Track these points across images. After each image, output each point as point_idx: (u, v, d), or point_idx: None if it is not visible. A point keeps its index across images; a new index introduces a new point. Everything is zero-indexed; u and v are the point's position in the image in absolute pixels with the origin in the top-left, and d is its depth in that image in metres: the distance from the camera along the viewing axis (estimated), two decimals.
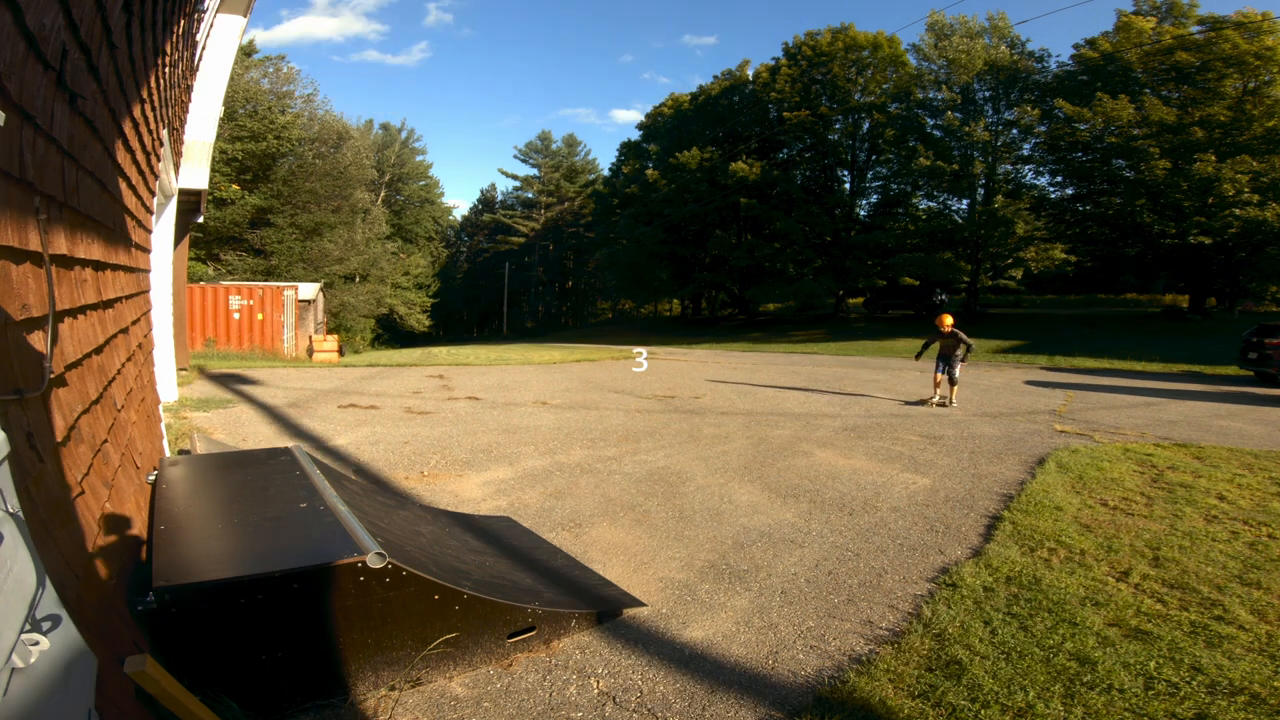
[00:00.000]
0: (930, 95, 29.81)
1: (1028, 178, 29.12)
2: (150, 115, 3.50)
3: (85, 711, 1.10)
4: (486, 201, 62.66)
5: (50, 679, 0.97)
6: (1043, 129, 26.77)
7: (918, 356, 9.35)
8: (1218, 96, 21.94)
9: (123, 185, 2.83)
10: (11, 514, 0.97)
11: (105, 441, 2.06)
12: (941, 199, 30.55)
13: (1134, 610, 2.78)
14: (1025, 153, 28.61)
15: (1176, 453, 5.84)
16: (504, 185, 67.35)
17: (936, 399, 8.89)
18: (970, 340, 8.73)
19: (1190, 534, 3.70)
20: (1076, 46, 26.73)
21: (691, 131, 36.85)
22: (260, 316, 16.12)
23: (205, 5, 5.90)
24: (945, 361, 8.79)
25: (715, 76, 39.58)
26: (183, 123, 6.73)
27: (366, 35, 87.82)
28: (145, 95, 3.14)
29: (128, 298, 2.98)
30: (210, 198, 17.30)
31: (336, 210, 33.06)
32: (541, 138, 57.16)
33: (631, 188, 38.55)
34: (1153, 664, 2.36)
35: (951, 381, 8.81)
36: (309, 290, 19.42)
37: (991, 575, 3.13)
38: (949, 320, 8.80)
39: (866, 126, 32.28)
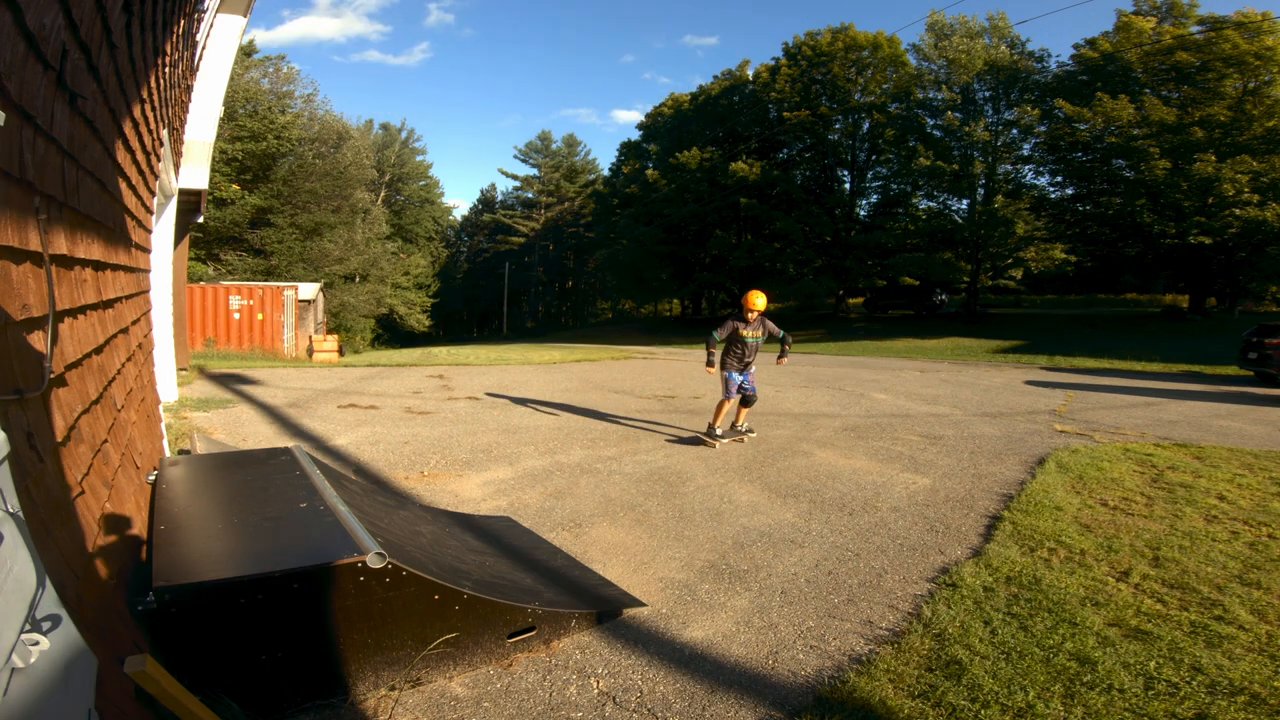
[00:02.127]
0: (930, 95, 29.83)
1: (1028, 178, 29.18)
2: (150, 115, 3.50)
3: (85, 711, 1.10)
4: (486, 201, 62.69)
5: (50, 679, 0.97)
6: (1043, 129, 26.79)
7: (710, 363, 5.83)
8: (1218, 96, 21.94)
9: (123, 185, 2.83)
10: (11, 514, 0.97)
11: (105, 441, 2.06)
12: (941, 199, 30.57)
13: (1134, 610, 2.78)
14: (1025, 153, 28.64)
15: (1176, 453, 5.84)
16: (504, 185, 67.49)
17: (744, 425, 6.19)
18: (784, 330, 6.04)
19: (1190, 534, 3.70)
20: (1076, 46, 26.76)
21: (691, 131, 36.89)
22: (260, 316, 16.12)
23: (205, 5, 5.90)
24: (745, 368, 5.90)
25: (715, 76, 39.64)
26: (183, 123, 6.73)
27: (368, 36, 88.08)
28: (145, 95, 3.14)
29: (128, 298, 2.98)
30: (210, 198, 17.30)
31: (336, 210, 33.09)
32: (541, 138, 57.23)
33: (631, 188, 38.59)
34: (1153, 664, 2.36)
35: (746, 401, 6.02)
36: (309, 290, 19.43)
37: (991, 575, 3.13)
38: (760, 300, 5.74)
39: (866, 126, 32.30)
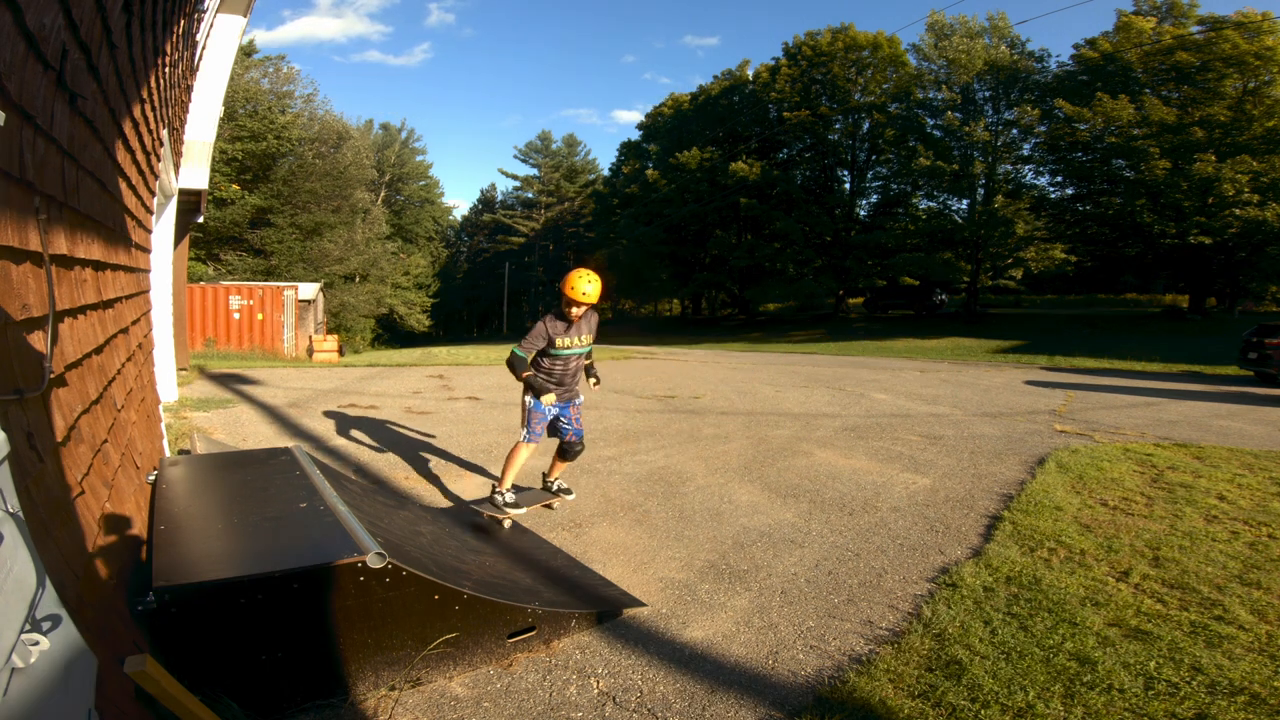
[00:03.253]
0: (930, 95, 29.86)
1: (1028, 178, 29.22)
2: (150, 115, 3.50)
3: (85, 711, 1.10)
4: (486, 201, 62.68)
5: (50, 679, 0.97)
6: (1043, 129, 26.82)
7: (539, 388, 3.70)
8: (1218, 96, 21.96)
9: (123, 185, 2.83)
10: (11, 514, 0.97)
11: (105, 441, 2.05)
12: (941, 199, 30.60)
13: (1134, 610, 2.78)
14: (1025, 153, 28.67)
15: (1176, 453, 5.84)
16: (504, 185, 67.45)
17: (558, 482, 4.17)
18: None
19: (1190, 534, 3.70)
20: (1076, 46, 26.78)
21: (691, 131, 36.90)
22: (260, 316, 16.12)
23: (205, 5, 5.90)
24: (564, 395, 3.79)
25: (715, 76, 39.65)
26: (183, 123, 6.72)
27: (369, 36, 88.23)
28: (145, 95, 3.14)
29: (128, 298, 2.98)
30: (210, 198, 17.29)
31: (336, 210, 33.08)
32: (541, 138, 57.21)
33: (631, 188, 38.62)
34: (1153, 664, 2.36)
35: (569, 451, 3.93)
36: (309, 290, 19.42)
37: (991, 575, 3.13)
38: (590, 286, 3.57)
39: (866, 126, 32.32)
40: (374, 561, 2.02)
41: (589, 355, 3.94)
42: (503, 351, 19.61)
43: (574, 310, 3.63)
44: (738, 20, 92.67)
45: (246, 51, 28.65)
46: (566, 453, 3.97)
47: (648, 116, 42.74)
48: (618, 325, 45.26)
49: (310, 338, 18.08)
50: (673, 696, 2.23)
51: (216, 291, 16.13)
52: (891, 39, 30.51)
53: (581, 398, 3.96)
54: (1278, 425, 7.55)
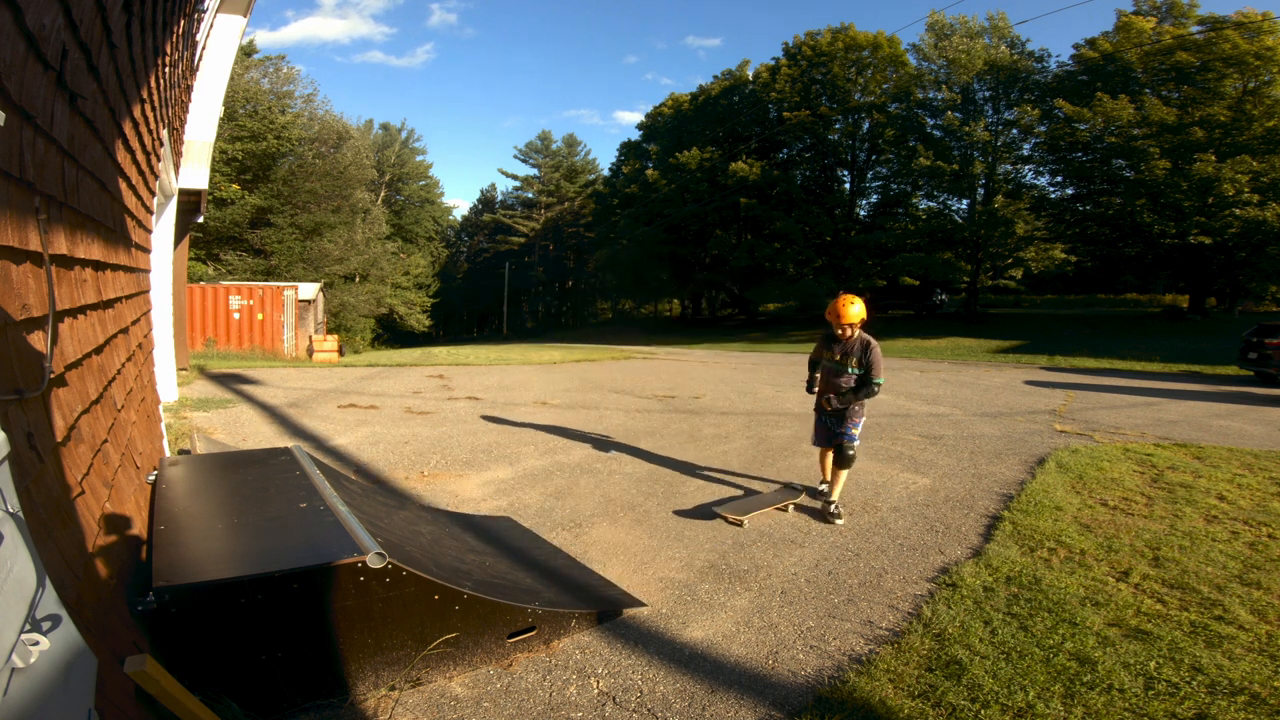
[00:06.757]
0: (930, 95, 29.88)
1: (1028, 178, 29.26)
2: (150, 115, 3.50)
3: (85, 711, 1.09)
4: (486, 201, 62.72)
5: (50, 679, 0.97)
6: (1043, 129, 26.84)
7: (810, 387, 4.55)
8: (1218, 96, 21.97)
9: (123, 185, 2.83)
10: (11, 514, 0.97)
11: (105, 441, 2.05)
12: (941, 199, 30.63)
13: (1134, 610, 2.78)
14: (1025, 153, 28.70)
15: (1176, 453, 5.83)
16: (504, 185, 67.66)
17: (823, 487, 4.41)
18: (876, 362, 4.13)
19: (1190, 534, 3.70)
20: (1076, 46, 26.80)
21: (692, 131, 36.94)
22: (260, 316, 16.12)
23: (205, 5, 5.90)
24: (837, 403, 4.20)
25: (715, 76, 39.72)
26: (183, 123, 6.72)
27: (373, 37, 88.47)
28: (145, 95, 3.14)
29: (128, 298, 2.98)
30: (210, 198, 17.29)
31: (336, 210, 33.07)
32: (542, 138, 57.24)
33: (631, 188, 38.65)
34: (1153, 664, 2.36)
35: (843, 456, 4.18)
36: (309, 290, 19.41)
37: (991, 575, 3.13)
38: (856, 310, 4.16)
39: (866, 126, 32.36)
40: (374, 561, 2.02)
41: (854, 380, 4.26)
42: (503, 352, 19.63)
43: (839, 331, 4.27)
44: (739, 21, 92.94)
45: (246, 51, 28.66)
46: (841, 456, 4.25)
47: (648, 116, 42.78)
48: (617, 325, 45.30)
49: (310, 338, 18.07)
50: (673, 696, 2.23)
51: (216, 291, 16.13)
52: (891, 39, 30.54)
53: (846, 410, 4.26)
54: (1278, 425, 7.55)
